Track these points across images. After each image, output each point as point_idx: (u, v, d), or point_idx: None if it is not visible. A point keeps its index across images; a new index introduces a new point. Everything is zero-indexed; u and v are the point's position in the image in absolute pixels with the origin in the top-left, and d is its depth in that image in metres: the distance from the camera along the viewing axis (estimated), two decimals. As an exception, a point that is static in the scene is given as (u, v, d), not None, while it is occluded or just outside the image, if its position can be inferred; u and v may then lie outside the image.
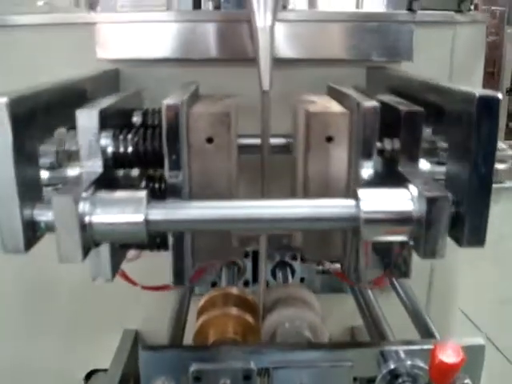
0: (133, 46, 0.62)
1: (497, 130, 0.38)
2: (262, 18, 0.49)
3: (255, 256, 0.73)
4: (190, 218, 0.40)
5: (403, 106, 0.45)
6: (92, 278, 0.45)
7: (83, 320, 0.77)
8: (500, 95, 0.37)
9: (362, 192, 0.39)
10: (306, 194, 0.49)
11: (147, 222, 0.38)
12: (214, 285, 0.74)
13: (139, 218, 0.38)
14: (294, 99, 0.55)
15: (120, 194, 0.40)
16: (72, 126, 0.47)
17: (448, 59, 0.68)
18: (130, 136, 0.46)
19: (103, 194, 0.40)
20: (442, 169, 0.45)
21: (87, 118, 0.43)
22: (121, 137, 0.46)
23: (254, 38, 0.50)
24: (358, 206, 0.39)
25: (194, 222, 0.40)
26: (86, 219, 0.38)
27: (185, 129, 0.45)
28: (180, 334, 0.63)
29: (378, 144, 0.46)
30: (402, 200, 0.39)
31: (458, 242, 0.40)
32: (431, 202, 0.38)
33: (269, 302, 0.60)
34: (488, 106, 0.37)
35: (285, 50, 0.63)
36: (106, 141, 0.45)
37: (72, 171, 0.47)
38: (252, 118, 0.54)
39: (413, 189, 0.40)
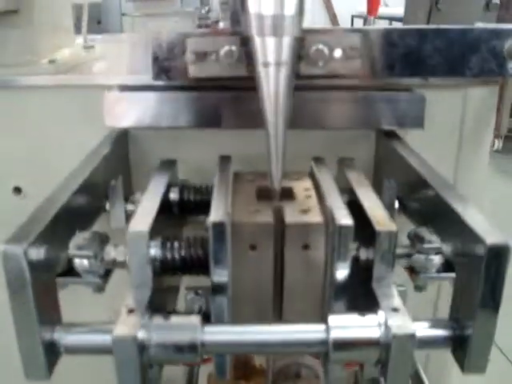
0: (142, 115, 0.62)
1: (505, 274, 0.39)
2: (273, 125, 0.48)
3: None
4: (241, 342, 0.42)
5: (380, 220, 0.45)
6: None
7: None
8: (509, 243, 0.38)
9: (331, 318, 0.41)
10: (283, 294, 0.50)
11: (202, 346, 0.40)
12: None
13: (195, 343, 0.40)
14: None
15: (175, 319, 0.42)
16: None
17: (458, 121, 0.67)
18: (176, 245, 0.48)
19: (160, 321, 0.42)
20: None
21: (137, 238, 0.44)
22: (168, 245, 0.48)
23: (266, 139, 0.49)
24: (327, 332, 0.40)
25: (244, 346, 0.42)
26: (145, 345, 0.40)
27: (230, 239, 0.45)
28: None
29: (354, 251, 0.47)
30: (369, 327, 0.41)
31: (461, 365, 0.42)
32: (398, 338, 0.39)
33: (276, 368, 0.62)
34: (498, 255, 0.38)
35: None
36: (155, 251, 0.46)
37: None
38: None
39: (381, 316, 0.41)
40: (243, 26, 0.48)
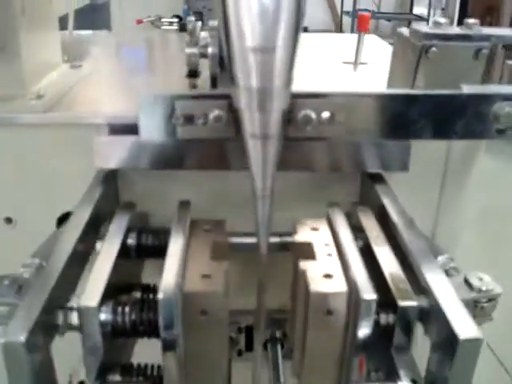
0: (129, 157, 0.62)
1: (475, 361, 0.41)
2: (260, 184, 0.49)
3: (247, 329, 0.78)
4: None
5: (401, 292, 0.48)
6: None
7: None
8: (481, 336, 0.40)
9: None
10: (304, 357, 0.52)
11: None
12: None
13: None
14: (292, 243, 0.57)
15: None
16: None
17: (443, 163, 0.69)
18: (127, 309, 0.50)
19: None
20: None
21: (87, 311, 0.46)
22: (119, 309, 0.49)
23: (253, 204, 0.50)
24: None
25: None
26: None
27: (180, 305, 0.47)
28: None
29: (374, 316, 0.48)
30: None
31: None
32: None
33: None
34: (469, 348, 0.40)
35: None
36: (106, 316, 0.48)
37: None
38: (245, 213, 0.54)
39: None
40: (232, 96, 0.48)
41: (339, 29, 5.84)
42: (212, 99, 0.52)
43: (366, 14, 0.89)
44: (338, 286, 0.50)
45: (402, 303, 0.46)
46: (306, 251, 0.55)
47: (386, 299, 0.49)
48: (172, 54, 0.96)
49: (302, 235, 0.58)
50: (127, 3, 2.54)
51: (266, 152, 0.48)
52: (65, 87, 0.74)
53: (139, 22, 2.33)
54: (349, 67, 0.89)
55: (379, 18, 5.76)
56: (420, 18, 5.63)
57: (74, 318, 0.48)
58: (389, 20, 5.83)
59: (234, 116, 0.51)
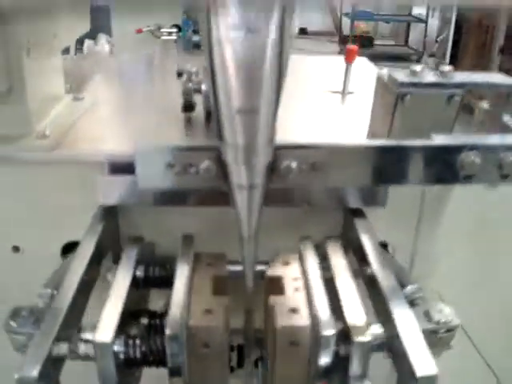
0: (130, 194, 0.68)
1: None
2: (246, 227, 0.55)
3: (239, 347, 0.84)
4: None
5: (357, 329, 0.53)
6: None
7: None
8: (437, 372, 0.46)
9: None
10: (274, 381, 0.59)
11: None
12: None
13: None
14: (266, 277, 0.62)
15: None
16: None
17: (419, 196, 0.74)
18: (138, 342, 0.56)
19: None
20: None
21: (102, 346, 0.52)
22: (130, 342, 0.55)
23: (239, 243, 0.56)
24: None
25: None
26: None
27: (185, 338, 0.54)
28: None
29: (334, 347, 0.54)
30: None
31: None
32: None
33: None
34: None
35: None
36: (119, 349, 0.54)
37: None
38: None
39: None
40: (220, 149, 0.53)
41: (339, 30, 5.88)
42: (203, 151, 0.57)
43: (354, 46, 0.94)
44: (302, 320, 0.56)
45: (357, 339, 0.52)
46: (276, 285, 0.61)
47: (346, 331, 0.54)
48: (170, 83, 1.01)
49: (273, 269, 0.64)
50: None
51: (252, 200, 0.53)
52: (69, 122, 0.79)
53: (139, 31, 2.39)
54: (336, 98, 0.95)
55: (378, 20, 5.80)
56: (419, 20, 5.67)
57: (90, 349, 0.53)
58: (387, 22, 5.87)
59: (222, 167, 0.56)
